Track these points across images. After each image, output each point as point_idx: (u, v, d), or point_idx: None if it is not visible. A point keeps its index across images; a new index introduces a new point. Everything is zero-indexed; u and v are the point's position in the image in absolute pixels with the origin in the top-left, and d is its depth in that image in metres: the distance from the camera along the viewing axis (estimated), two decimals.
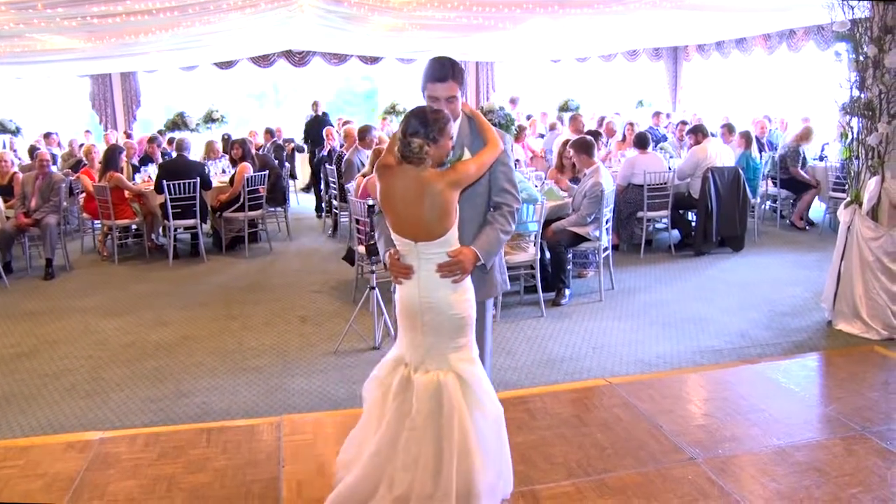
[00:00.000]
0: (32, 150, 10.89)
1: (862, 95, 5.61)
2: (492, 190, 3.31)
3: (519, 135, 11.46)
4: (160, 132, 14.32)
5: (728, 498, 3.52)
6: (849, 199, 5.90)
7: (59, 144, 13.66)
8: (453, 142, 3.13)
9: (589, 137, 7.67)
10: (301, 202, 13.50)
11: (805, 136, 10.05)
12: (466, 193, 3.18)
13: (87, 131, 15.11)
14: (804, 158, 9.99)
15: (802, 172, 9.90)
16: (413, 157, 2.98)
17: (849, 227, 5.85)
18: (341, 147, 10.96)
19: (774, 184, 10.17)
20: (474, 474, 3.07)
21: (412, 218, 3.08)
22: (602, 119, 13.10)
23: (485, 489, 3.11)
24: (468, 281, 3.19)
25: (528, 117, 14.92)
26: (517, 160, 9.15)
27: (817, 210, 10.45)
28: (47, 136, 13.48)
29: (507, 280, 3.56)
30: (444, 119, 3.04)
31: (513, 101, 14.55)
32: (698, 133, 9.15)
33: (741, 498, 3.52)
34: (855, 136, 5.76)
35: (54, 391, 5.25)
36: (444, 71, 3.16)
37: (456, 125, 3.25)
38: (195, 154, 11.02)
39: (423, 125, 2.98)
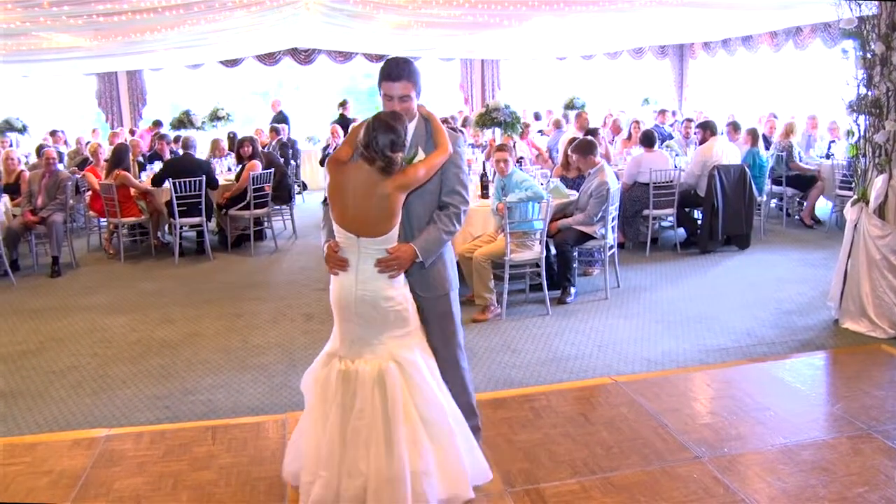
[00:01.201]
0: (40, 149, 10.92)
1: (869, 93, 5.59)
2: (442, 190, 3.41)
3: (523, 132, 11.45)
4: (156, 123, 14.42)
5: (733, 497, 3.52)
6: (855, 197, 5.88)
7: (65, 143, 13.69)
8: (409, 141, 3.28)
9: (589, 138, 7.67)
10: (306, 200, 13.51)
11: (789, 131, 10.17)
12: (417, 191, 3.30)
13: (95, 130, 15.14)
14: (798, 153, 10.05)
15: (804, 165, 9.92)
16: (394, 170, 3.13)
17: (856, 226, 5.82)
18: None
19: (777, 182, 10.16)
20: (425, 459, 3.17)
21: (359, 214, 3.20)
22: (607, 116, 13.08)
23: (438, 475, 3.20)
24: (402, 276, 3.31)
25: (536, 116, 14.89)
26: (521, 157, 9.15)
27: (823, 208, 10.41)
28: (53, 133, 13.52)
29: (457, 278, 3.65)
30: (404, 119, 3.20)
31: (557, 125, 14.34)
32: (706, 130, 9.12)
33: (746, 497, 3.51)
34: (862, 133, 5.74)
35: (60, 388, 5.27)
36: (399, 70, 3.25)
37: (412, 126, 3.37)
38: (201, 152, 11.02)
39: (395, 134, 3.09)
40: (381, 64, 3.36)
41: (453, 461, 3.26)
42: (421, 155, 3.25)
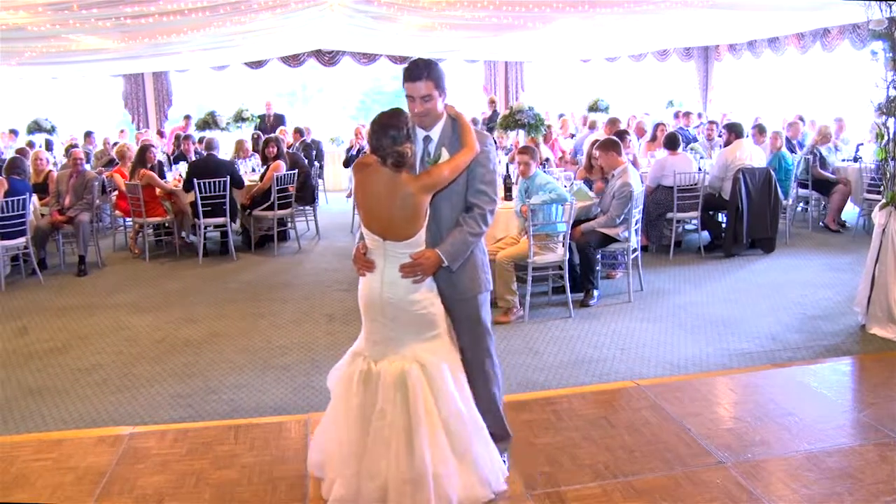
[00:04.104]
0: (69, 149, 11.06)
1: None
2: (468, 191, 3.37)
3: (547, 135, 11.40)
4: (186, 118, 14.53)
5: (757, 503, 3.48)
6: (884, 200, 5.79)
7: (92, 143, 13.86)
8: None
9: (614, 137, 7.62)
10: (330, 201, 13.56)
11: (822, 137, 10.11)
12: (444, 192, 3.28)
13: (123, 130, 15.31)
14: (822, 158, 9.99)
15: (824, 172, 9.84)
16: (407, 161, 3.12)
17: (884, 230, 5.74)
18: None
19: (803, 186, 10.07)
20: (446, 462, 3.17)
21: (382, 217, 3.21)
22: (630, 118, 13.00)
23: (456, 481, 3.19)
24: (430, 279, 3.30)
25: (560, 117, 14.83)
26: (546, 159, 9.11)
27: (850, 212, 10.29)
28: (87, 135, 13.69)
29: (490, 280, 3.62)
30: (406, 114, 3.19)
31: (592, 126, 13.84)
32: (732, 132, 9.05)
33: (771, 503, 3.47)
34: (891, 136, 5.66)
35: (86, 386, 5.33)
36: (419, 71, 3.23)
37: (439, 126, 3.36)
38: (225, 153, 11.10)
39: (393, 128, 3.09)
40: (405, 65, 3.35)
41: (471, 467, 3.26)
42: (445, 156, 3.23)
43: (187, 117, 14.67)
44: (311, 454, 3.62)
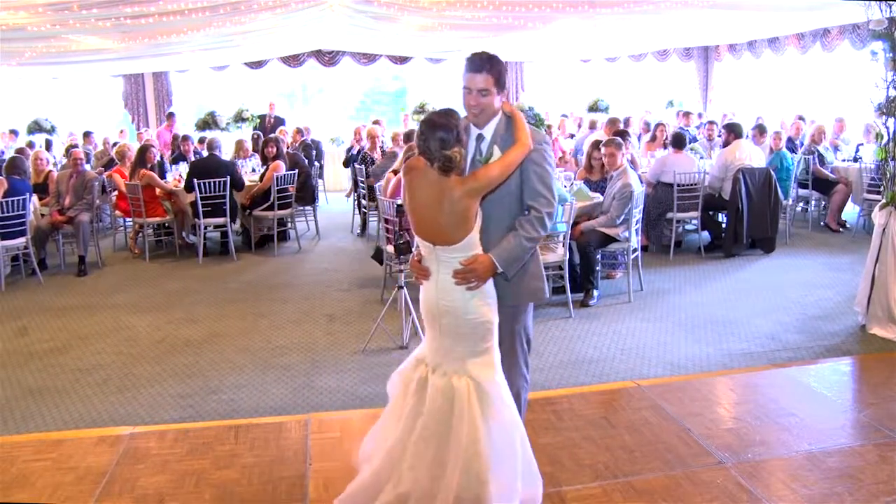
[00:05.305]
0: (69, 149, 11.06)
1: None
2: (524, 192, 3.22)
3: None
4: (169, 116, 14.50)
5: (757, 503, 3.48)
6: (884, 200, 5.80)
7: (92, 143, 13.85)
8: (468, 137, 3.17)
9: (618, 139, 7.62)
10: (330, 201, 13.56)
11: (816, 137, 10.20)
12: (495, 193, 3.13)
13: (122, 131, 15.31)
14: (821, 156, 10.04)
15: (823, 170, 9.86)
16: (456, 166, 3.00)
17: (884, 230, 5.75)
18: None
19: (803, 186, 10.08)
20: (482, 483, 3.04)
21: (431, 222, 3.10)
22: (628, 119, 13.00)
23: (494, 499, 3.06)
24: (489, 285, 3.15)
25: (563, 117, 14.84)
26: None
27: (850, 212, 10.30)
28: (87, 135, 13.70)
29: (546, 288, 3.42)
30: (458, 114, 3.08)
31: (592, 125, 13.63)
32: (731, 132, 9.06)
33: (771, 503, 3.47)
34: (891, 136, 5.66)
35: (86, 386, 5.33)
36: (480, 63, 3.11)
37: (492, 124, 3.23)
38: (225, 153, 11.10)
39: (443, 130, 2.97)
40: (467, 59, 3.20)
41: (505, 488, 3.11)
42: (498, 154, 3.09)
43: (170, 115, 14.65)
44: (365, 444, 3.47)
